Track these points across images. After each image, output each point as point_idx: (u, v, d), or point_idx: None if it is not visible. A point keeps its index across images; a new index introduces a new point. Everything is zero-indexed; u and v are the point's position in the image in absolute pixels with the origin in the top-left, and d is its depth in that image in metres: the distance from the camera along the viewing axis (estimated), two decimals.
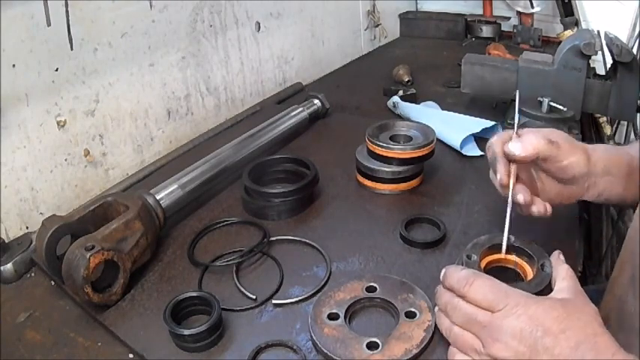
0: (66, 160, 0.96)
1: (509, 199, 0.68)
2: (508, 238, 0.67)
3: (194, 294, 0.69)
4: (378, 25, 1.87)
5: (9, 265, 0.81)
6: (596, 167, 0.71)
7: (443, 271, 0.62)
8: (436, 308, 0.63)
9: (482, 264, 0.66)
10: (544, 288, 0.61)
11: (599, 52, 1.14)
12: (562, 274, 0.61)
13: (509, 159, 0.68)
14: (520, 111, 1.16)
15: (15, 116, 0.86)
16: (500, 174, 0.69)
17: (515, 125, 0.70)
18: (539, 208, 0.71)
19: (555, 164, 0.69)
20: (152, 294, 0.75)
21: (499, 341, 0.54)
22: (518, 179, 0.70)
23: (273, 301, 0.72)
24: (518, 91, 0.76)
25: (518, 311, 0.54)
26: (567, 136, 0.71)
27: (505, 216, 0.66)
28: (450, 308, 0.59)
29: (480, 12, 1.97)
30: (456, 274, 0.59)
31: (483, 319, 0.56)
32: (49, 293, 0.78)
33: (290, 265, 0.79)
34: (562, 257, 0.64)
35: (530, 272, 0.65)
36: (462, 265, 0.64)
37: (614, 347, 0.52)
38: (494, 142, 0.71)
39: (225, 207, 0.95)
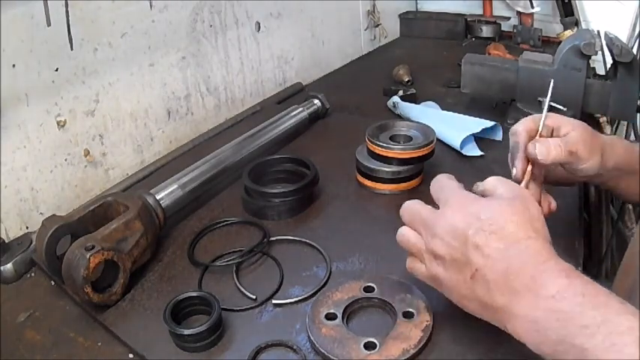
0: (66, 160, 0.96)
1: None
2: None
3: (194, 294, 0.69)
4: (378, 25, 1.87)
5: (9, 265, 0.81)
6: (607, 164, 0.73)
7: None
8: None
9: None
10: None
11: (599, 52, 1.14)
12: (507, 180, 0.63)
13: (528, 157, 0.69)
14: (520, 112, 1.16)
15: (15, 116, 0.86)
16: (517, 170, 0.70)
17: (543, 119, 0.71)
18: (545, 209, 0.72)
19: (570, 167, 0.72)
20: (152, 294, 0.75)
21: (436, 236, 0.57)
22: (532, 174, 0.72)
23: (273, 301, 0.72)
24: (552, 80, 0.77)
25: (457, 207, 0.57)
26: (589, 138, 0.71)
27: None
28: (402, 210, 0.63)
29: (480, 12, 1.97)
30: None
31: (426, 215, 0.59)
32: (49, 293, 0.79)
33: (290, 265, 0.79)
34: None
35: None
36: None
37: (546, 252, 0.53)
38: (520, 132, 0.70)
39: (225, 207, 0.95)
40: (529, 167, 0.69)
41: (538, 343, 0.50)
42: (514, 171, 0.71)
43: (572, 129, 0.71)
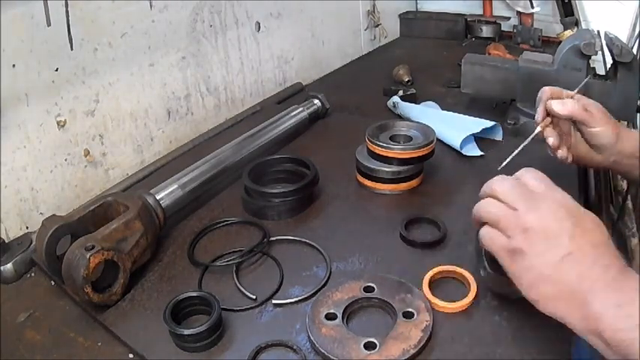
0: (66, 160, 0.96)
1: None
2: None
3: (194, 294, 0.69)
4: (378, 25, 1.87)
5: (9, 265, 0.81)
6: (624, 146, 0.82)
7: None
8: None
9: None
10: None
11: (599, 52, 1.14)
12: None
13: (548, 111, 0.82)
14: (520, 112, 1.16)
15: (15, 116, 0.86)
16: (538, 114, 0.83)
17: (577, 90, 0.85)
18: (563, 153, 0.83)
19: (587, 129, 0.81)
20: (152, 294, 0.75)
21: (539, 209, 0.56)
22: (557, 127, 0.84)
23: (273, 301, 0.72)
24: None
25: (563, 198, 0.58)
26: (604, 110, 0.82)
27: None
28: (494, 185, 0.61)
29: (480, 12, 1.97)
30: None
31: (528, 191, 0.58)
32: (49, 293, 0.79)
33: (290, 265, 0.79)
34: None
35: None
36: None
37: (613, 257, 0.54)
38: (546, 91, 0.83)
39: (225, 207, 0.95)
40: (547, 119, 0.82)
41: (628, 330, 0.48)
42: (536, 115, 0.84)
43: (593, 102, 0.82)
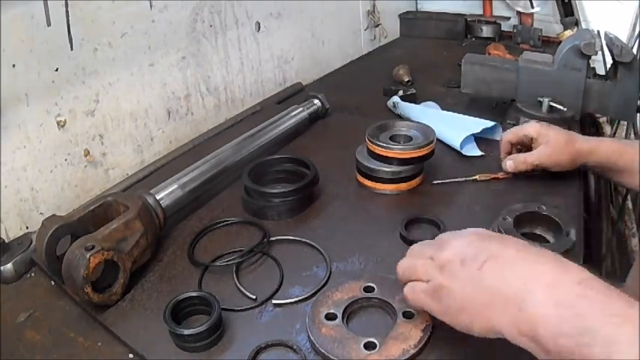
0: (66, 160, 0.96)
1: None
2: (539, 207, 0.82)
3: (194, 294, 0.69)
4: (378, 25, 1.87)
5: (9, 265, 0.81)
6: (589, 164, 0.92)
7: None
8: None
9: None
10: (567, 250, 0.69)
11: (599, 52, 1.14)
12: None
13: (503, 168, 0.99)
14: (520, 112, 1.16)
15: (15, 116, 0.86)
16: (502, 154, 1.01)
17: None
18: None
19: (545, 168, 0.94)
20: (152, 294, 0.75)
21: (449, 247, 0.57)
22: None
23: (273, 301, 0.72)
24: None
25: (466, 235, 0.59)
26: (560, 149, 0.92)
27: None
28: (398, 269, 0.64)
29: (480, 12, 1.97)
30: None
31: (433, 244, 0.61)
32: (49, 293, 0.79)
33: (290, 265, 0.79)
34: None
35: None
36: (498, 226, 0.75)
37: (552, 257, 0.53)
38: (503, 142, 1.00)
39: (225, 207, 0.95)
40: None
41: (558, 326, 0.45)
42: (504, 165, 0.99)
43: (546, 142, 0.92)
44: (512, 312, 0.49)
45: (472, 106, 1.32)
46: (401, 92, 1.37)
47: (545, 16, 1.82)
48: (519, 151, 0.98)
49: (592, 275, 0.48)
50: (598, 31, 1.14)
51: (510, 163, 0.95)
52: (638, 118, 1.46)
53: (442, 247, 0.58)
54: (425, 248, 0.61)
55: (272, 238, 0.85)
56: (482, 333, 0.53)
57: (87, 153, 0.99)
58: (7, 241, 0.85)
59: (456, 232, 0.61)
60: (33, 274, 0.83)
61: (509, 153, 0.99)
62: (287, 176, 0.99)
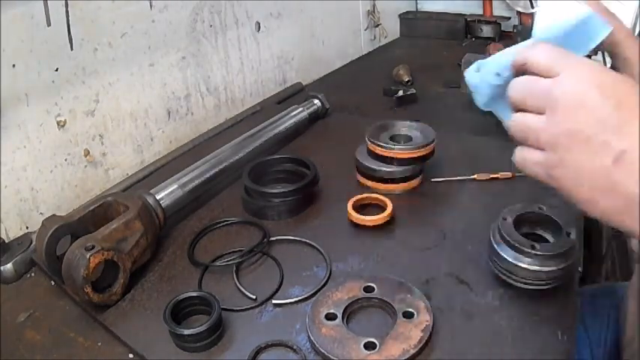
0: (66, 160, 0.96)
1: None
2: (540, 207, 0.75)
3: (194, 294, 0.69)
4: (378, 25, 1.87)
5: (9, 265, 0.81)
6: None
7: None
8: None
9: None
10: (567, 250, 0.67)
11: (599, 52, 1.14)
12: None
13: None
14: None
15: (15, 116, 0.86)
16: None
17: None
18: None
19: None
20: (152, 294, 0.75)
21: (559, 111, 0.45)
22: None
23: (273, 301, 0.72)
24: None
25: (582, 73, 0.45)
26: None
27: None
28: (513, 85, 0.50)
29: (480, 12, 1.97)
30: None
31: (544, 85, 0.46)
32: (49, 293, 0.79)
33: (290, 265, 0.79)
34: None
35: None
36: (498, 226, 0.71)
37: None
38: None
39: (225, 207, 0.95)
40: None
41: None
42: None
43: None
44: None
45: (472, 106, 1.31)
46: (401, 92, 1.37)
47: None
48: None
49: None
50: None
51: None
52: None
53: (556, 108, 0.45)
54: (534, 89, 0.47)
55: (272, 238, 0.85)
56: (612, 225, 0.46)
57: (87, 153, 0.99)
58: (7, 241, 0.85)
59: (560, 63, 0.46)
60: (33, 274, 0.83)
61: None
62: (287, 176, 0.99)
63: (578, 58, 0.47)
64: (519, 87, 0.49)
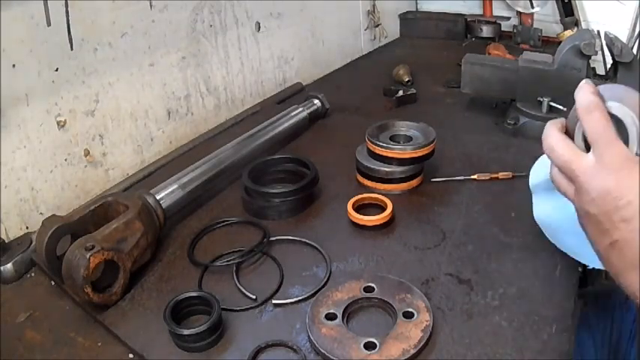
0: (66, 160, 0.96)
1: None
2: None
3: (194, 294, 0.69)
4: (378, 25, 1.87)
5: (9, 265, 0.81)
6: None
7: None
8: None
9: None
10: None
11: (599, 52, 1.14)
12: None
13: None
14: (520, 112, 1.16)
15: (15, 116, 0.86)
16: None
17: None
18: None
19: None
20: (152, 294, 0.75)
21: (585, 193, 0.54)
22: None
23: (273, 301, 0.72)
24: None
25: (611, 167, 0.53)
26: None
27: None
28: (549, 150, 0.58)
29: (480, 12, 1.97)
30: (587, 94, 0.56)
31: (577, 168, 0.55)
32: (49, 293, 0.79)
33: (290, 265, 0.79)
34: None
35: None
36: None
37: None
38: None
39: (225, 207, 0.95)
40: None
41: None
42: None
43: None
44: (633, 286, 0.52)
45: (472, 106, 1.32)
46: (401, 92, 1.38)
47: (545, 16, 1.82)
48: None
49: None
50: (598, 31, 1.14)
51: None
52: None
53: (582, 185, 0.54)
54: (567, 165, 0.56)
55: (272, 238, 0.85)
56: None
57: (87, 153, 0.99)
58: (7, 241, 0.85)
59: (600, 145, 0.53)
60: (33, 274, 0.83)
61: None
62: (287, 176, 0.99)
63: (612, 143, 0.54)
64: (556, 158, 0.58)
